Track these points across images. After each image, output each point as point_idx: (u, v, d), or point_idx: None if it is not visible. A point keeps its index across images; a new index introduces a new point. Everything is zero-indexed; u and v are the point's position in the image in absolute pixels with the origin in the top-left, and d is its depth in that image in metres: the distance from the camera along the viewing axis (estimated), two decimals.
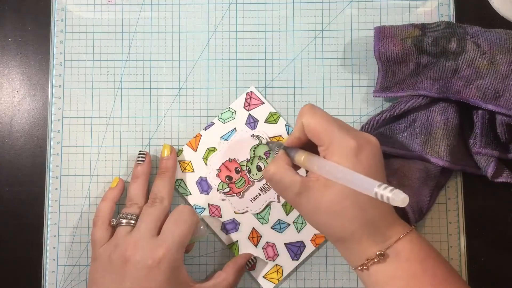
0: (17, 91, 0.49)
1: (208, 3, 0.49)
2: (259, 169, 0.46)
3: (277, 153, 0.41)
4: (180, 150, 0.47)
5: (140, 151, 0.46)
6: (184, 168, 0.47)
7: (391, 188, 0.31)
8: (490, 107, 0.43)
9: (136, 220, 0.42)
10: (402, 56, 0.44)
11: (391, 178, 0.44)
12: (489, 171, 0.43)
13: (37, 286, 0.46)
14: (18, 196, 0.48)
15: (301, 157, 0.39)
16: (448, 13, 0.48)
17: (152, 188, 0.44)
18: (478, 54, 0.43)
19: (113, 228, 0.43)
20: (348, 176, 0.34)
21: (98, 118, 0.48)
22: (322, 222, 0.38)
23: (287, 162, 0.39)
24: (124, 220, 0.42)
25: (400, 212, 0.44)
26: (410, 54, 0.44)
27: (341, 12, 0.49)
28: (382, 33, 0.45)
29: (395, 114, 0.44)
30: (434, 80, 0.44)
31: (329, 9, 0.49)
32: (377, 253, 0.36)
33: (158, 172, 0.46)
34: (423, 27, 0.45)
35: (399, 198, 0.30)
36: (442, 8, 0.48)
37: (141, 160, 0.46)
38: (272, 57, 0.48)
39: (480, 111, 0.44)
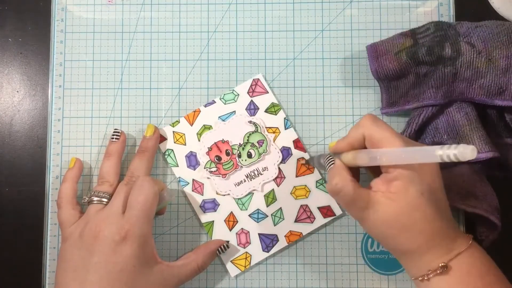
0: (17, 91, 0.49)
1: (208, 3, 0.49)
2: (249, 155, 0.46)
3: (332, 163, 0.39)
4: (176, 121, 0.47)
5: (115, 129, 0.46)
6: (177, 140, 0.47)
7: (454, 145, 0.30)
8: (497, 102, 0.43)
9: (108, 199, 0.42)
10: (400, 71, 0.44)
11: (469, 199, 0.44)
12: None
13: (37, 286, 0.46)
14: (18, 196, 0.48)
15: (347, 156, 0.38)
16: (448, 13, 0.48)
17: (129, 166, 0.44)
18: (475, 55, 0.43)
19: (81, 206, 0.43)
20: (410, 152, 0.34)
21: (98, 118, 0.48)
22: (389, 235, 0.37)
23: (349, 173, 0.38)
24: (95, 198, 0.42)
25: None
26: (407, 67, 0.44)
27: (341, 12, 0.49)
28: (375, 52, 0.45)
29: (414, 130, 0.44)
30: (437, 88, 0.44)
31: (329, 9, 0.49)
32: (440, 265, 0.36)
33: (137, 150, 0.45)
34: (413, 35, 0.45)
35: (466, 150, 0.30)
36: (442, 8, 0.48)
37: (116, 138, 0.45)
38: (272, 57, 0.48)
39: (487, 108, 0.44)
